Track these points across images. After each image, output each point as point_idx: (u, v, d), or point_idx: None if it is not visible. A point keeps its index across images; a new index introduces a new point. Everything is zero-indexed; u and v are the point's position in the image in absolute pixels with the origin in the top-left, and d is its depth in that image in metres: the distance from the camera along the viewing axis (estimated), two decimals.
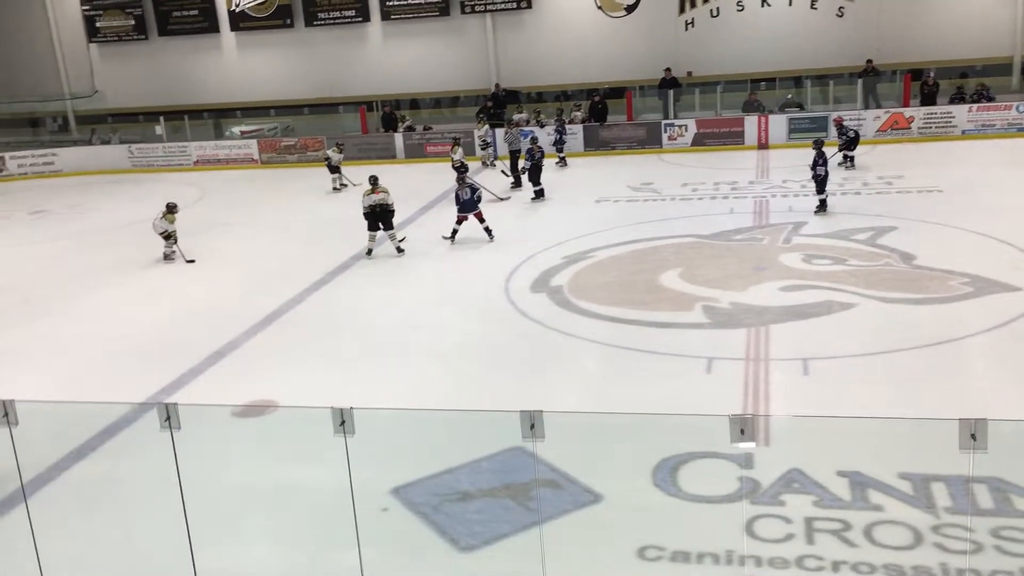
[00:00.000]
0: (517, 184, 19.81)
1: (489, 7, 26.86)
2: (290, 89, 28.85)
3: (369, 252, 15.05)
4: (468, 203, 15.28)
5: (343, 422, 4.91)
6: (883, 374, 9.19)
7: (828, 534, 6.34)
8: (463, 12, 27.11)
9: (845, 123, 19.79)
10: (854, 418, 7.60)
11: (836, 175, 17.21)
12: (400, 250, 15.09)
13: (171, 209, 15.61)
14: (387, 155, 24.76)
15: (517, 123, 22.05)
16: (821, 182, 15.60)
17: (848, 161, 18.92)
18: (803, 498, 6.75)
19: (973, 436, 4.14)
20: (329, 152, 21.81)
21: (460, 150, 20.76)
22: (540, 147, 18.75)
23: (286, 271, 14.40)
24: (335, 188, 21.26)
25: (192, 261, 15.33)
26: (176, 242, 15.51)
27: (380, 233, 15.06)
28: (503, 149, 21.54)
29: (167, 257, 15.51)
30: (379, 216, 15.00)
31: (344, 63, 28.43)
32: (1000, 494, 6.52)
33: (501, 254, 14.48)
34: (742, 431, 4.34)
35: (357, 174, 21.80)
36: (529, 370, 9.97)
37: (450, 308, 12.17)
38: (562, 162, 22.07)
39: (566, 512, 6.82)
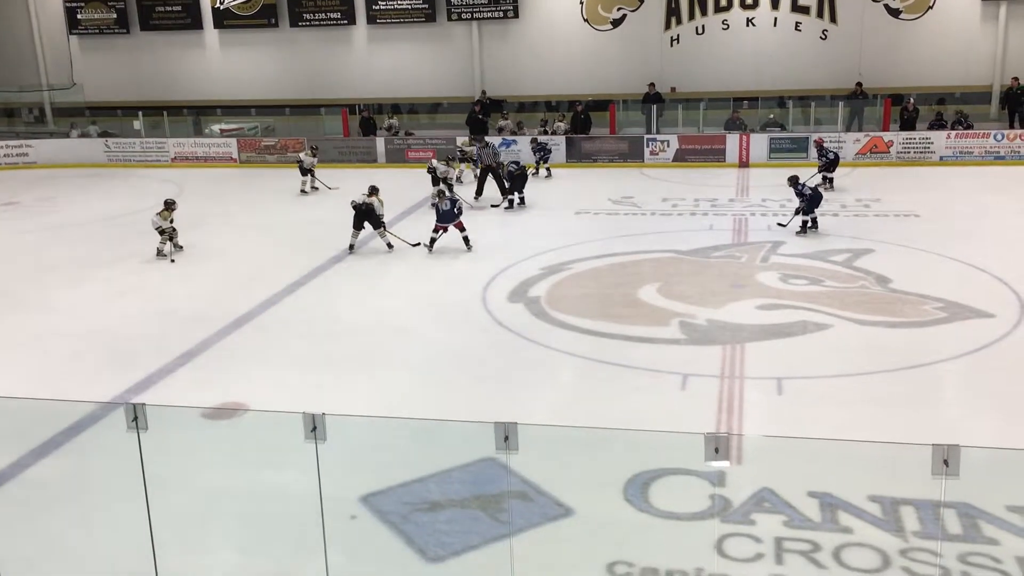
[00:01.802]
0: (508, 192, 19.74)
1: (476, 15, 26.87)
2: (272, 89, 28.70)
3: (351, 248, 15.29)
4: (448, 214, 15.24)
5: (315, 428, 4.84)
6: (856, 396, 9.22)
7: (797, 555, 6.33)
8: (449, 19, 27.11)
9: (825, 144, 19.97)
10: (826, 440, 7.60)
11: None
12: (390, 245, 15.34)
13: (168, 206, 15.52)
14: (368, 159, 24.66)
15: (486, 144, 21.42)
16: (810, 204, 15.61)
17: (827, 183, 19.04)
18: (773, 518, 6.75)
19: (946, 462, 4.14)
20: (301, 155, 21.54)
21: (462, 168, 20.46)
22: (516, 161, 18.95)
23: (262, 272, 14.28)
24: (303, 191, 20.98)
25: (173, 261, 15.13)
26: (170, 240, 15.32)
27: (364, 232, 15.23)
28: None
29: (160, 253, 15.30)
30: (363, 215, 15.23)
31: (328, 65, 28.33)
32: (969, 520, 6.54)
33: (479, 263, 14.43)
34: (716, 449, 4.32)
35: (337, 177, 21.74)
36: (503, 380, 9.92)
37: (426, 315, 12.11)
38: (547, 173, 22.04)
39: (536, 525, 6.77)
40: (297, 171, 21.32)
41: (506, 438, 4.58)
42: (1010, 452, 7.21)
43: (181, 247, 15.58)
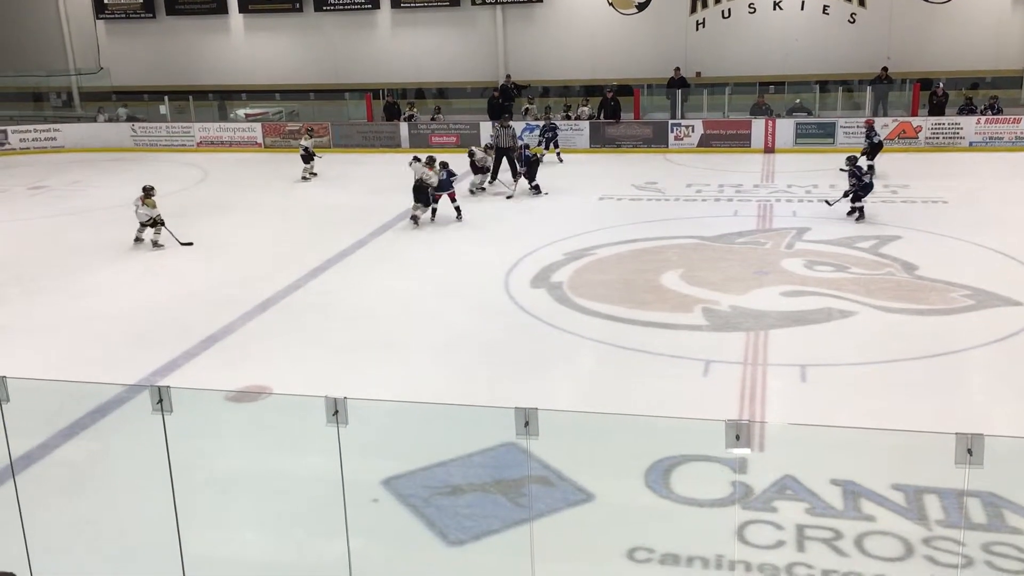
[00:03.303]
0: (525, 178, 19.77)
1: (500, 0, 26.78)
2: (296, 74, 28.78)
3: (413, 219, 15.94)
4: (444, 183, 16.14)
5: (336, 412, 4.87)
6: (880, 384, 9.15)
7: (819, 542, 6.30)
8: (473, 3, 27.03)
9: (875, 128, 19.41)
10: (850, 428, 7.56)
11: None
12: (458, 211, 16.18)
13: (148, 193, 15.00)
14: (391, 144, 24.68)
15: (507, 126, 21.23)
16: (864, 188, 15.36)
17: (871, 170, 18.52)
18: (795, 505, 6.72)
19: (969, 451, 4.11)
20: (302, 141, 21.34)
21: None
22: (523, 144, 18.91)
23: (286, 256, 14.35)
24: (304, 177, 20.76)
25: (190, 244, 15.13)
26: (164, 226, 15.01)
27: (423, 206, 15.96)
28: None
29: (156, 244, 15.01)
30: (419, 191, 15.86)
31: (352, 50, 28.35)
32: (993, 509, 6.49)
33: (502, 248, 14.43)
34: (737, 436, 4.30)
35: (360, 161, 21.80)
36: (526, 365, 9.93)
37: (449, 300, 12.13)
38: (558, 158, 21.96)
39: (557, 510, 6.78)
40: (328, 156, 21.39)
41: (526, 423, 4.58)
42: None
43: (162, 245, 15.03)
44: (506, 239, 15.05)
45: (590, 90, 25.90)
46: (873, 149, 18.80)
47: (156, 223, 15.02)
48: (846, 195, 15.51)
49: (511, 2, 26.79)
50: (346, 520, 5.51)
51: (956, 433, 4.27)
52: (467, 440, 7.30)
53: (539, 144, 21.91)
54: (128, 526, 6.89)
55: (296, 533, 6.74)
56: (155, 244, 15.08)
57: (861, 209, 15.40)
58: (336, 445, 5.58)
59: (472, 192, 18.54)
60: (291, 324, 11.44)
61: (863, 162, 18.05)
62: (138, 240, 15.16)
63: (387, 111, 25.70)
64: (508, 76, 26.52)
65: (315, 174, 20.99)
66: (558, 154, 22.00)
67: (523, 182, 18.58)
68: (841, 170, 15.87)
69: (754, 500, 6.80)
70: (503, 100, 25.01)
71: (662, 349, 10.20)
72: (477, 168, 19.08)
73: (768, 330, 10.61)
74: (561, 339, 10.67)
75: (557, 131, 22.33)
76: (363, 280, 13.34)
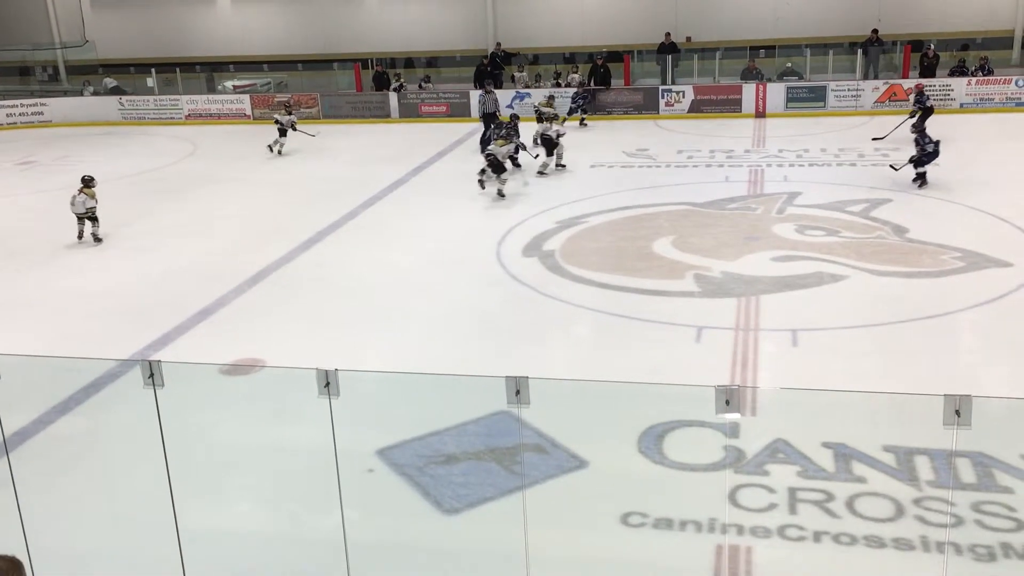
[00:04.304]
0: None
1: None
2: (284, 44, 28.52)
3: (481, 184, 15.82)
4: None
5: (328, 383, 4.88)
6: (872, 347, 9.19)
7: (811, 504, 6.36)
8: None
9: (920, 89, 18.98)
10: (841, 391, 7.60)
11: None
12: (501, 194, 15.60)
13: (88, 183, 13.85)
14: (381, 114, 24.54)
15: (490, 91, 21.08)
16: (928, 156, 15.01)
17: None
18: (787, 468, 6.77)
19: (957, 412, 4.13)
20: (276, 115, 20.84)
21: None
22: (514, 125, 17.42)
23: (277, 229, 14.31)
24: (272, 148, 20.25)
25: (100, 241, 13.81)
26: (91, 220, 13.77)
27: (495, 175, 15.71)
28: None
29: (96, 239, 13.82)
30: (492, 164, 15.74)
31: (340, 20, 28.08)
32: (983, 469, 6.55)
33: (493, 218, 14.40)
34: (727, 402, 4.32)
35: (351, 133, 21.67)
36: (519, 334, 9.94)
37: (440, 270, 12.12)
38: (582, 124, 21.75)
39: (551, 477, 6.83)
40: (315, 127, 21.18)
41: (517, 392, 4.59)
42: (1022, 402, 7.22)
43: (101, 239, 13.92)
44: (497, 208, 15.02)
45: (579, 57, 25.73)
46: (925, 113, 18.08)
47: (93, 217, 13.82)
48: (911, 161, 15.10)
49: None
50: (340, 491, 5.53)
51: (944, 394, 4.30)
52: (461, 409, 7.33)
53: (572, 112, 21.69)
54: (123, 501, 6.92)
55: (291, 505, 6.77)
56: (95, 239, 13.89)
57: (923, 175, 15.02)
58: (330, 417, 5.60)
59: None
60: (284, 297, 11.43)
61: (911, 127, 17.83)
62: (81, 236, 13.86)
63: (376, 81, 25.52)
64: (499, 44, 26.32)
65: (280, 153, 20.25)
66: (583, 120, 21.72)
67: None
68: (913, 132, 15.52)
69: (746, 464, 6.85)
70: (492, 68, 24.85)
71: (654, 316, 10.22)
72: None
73: (760, 295, 10.63)
74: (554, 307, 10.68)
75: (589, 98, 22.00)
76: (355, 251, 13.30)
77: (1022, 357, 8.80)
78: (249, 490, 7.04)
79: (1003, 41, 23.57)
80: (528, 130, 18.00)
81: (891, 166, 15.88)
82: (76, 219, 13.86)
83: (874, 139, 17.95)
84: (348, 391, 5.57)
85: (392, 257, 12.87)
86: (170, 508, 5.60)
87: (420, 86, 25.25)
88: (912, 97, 19.12)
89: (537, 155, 17.21)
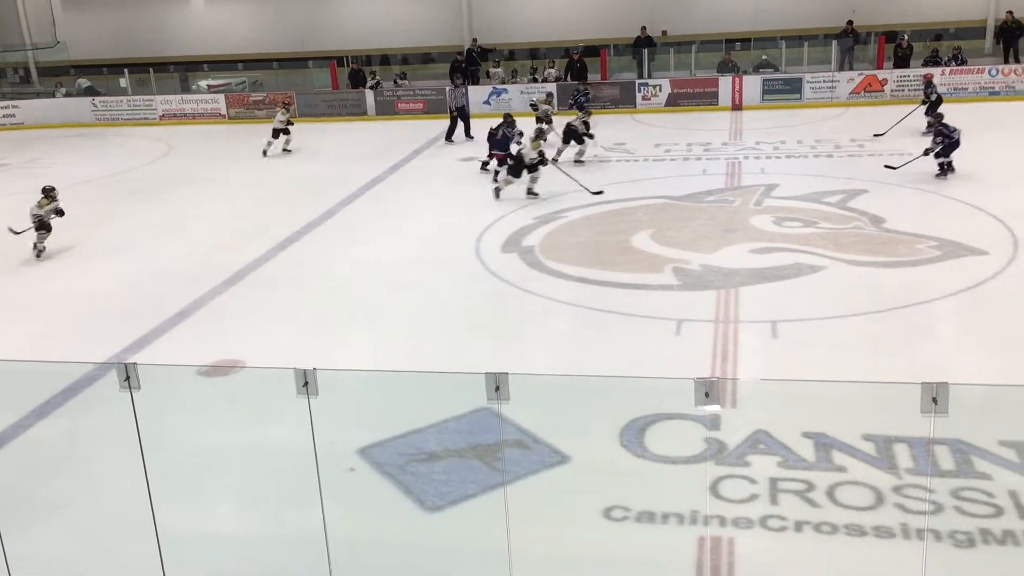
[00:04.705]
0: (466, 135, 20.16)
1: None
2: (259, 43, 28.35)
3: (497, 192, 15.32)
4: (501, 142, 16.07)
5: (306, 383, 4.85)
6: (850, 337, 9.24)
7: (792, 494, 6.39)
8: None
9: (929, 79, 19.07)
10: (820, 381, 7.63)
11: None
12: (531, 193, 15.10)
13: (47, 193, 13.44)
14: (357, 112, 24.44)
15: (459, 86, 21.00)
16: (949, 148, 14.83)
17: (930, 126, 17.68)
18: (768, 459, 6.80)
19: (934, 400, 4.16)
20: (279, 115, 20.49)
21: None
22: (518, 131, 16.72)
23: (254, 229, 14.22)
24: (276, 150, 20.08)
25: (41, 252, 13.17)
26: (39, 230, 13.15)
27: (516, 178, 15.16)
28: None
29: (38, 251, 13.12)
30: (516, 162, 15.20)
31: (315, 17, 27.96)
32: (961, 456, 6.60)
33: (472, 214, 14.37)
34: (707, 394, 4.33)
35: (328, 131, 21.59)
36: (500, 330, 9.94)
37: (420, 267, 12.09)
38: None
39: (533, 472, 6.82)
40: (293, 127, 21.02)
41: (497, 388, 4.59)
42: (1002, 388, 7.28)
43: (43, 248, 13.21)
44: (476, 205, 14.99)
45: (556, 52, 25.73)
46: (933, 104, 18.13)
47: (44, 226, 13.21)
48: (927, 153, 14.95)
49: None
50: (321, 490, 5.51)
51: (921, 382, 4.33)
52: (442, 406, 7.31)
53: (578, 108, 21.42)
54: (102, 504, 6.86)
55: (272, 505, 6.73)
56: (36, 250, 13.16)
57: (949, 164, 14.86)
58: (310, 417, 5.57)
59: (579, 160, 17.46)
60: (262, 297, 11.36)
61: (930, 118, 17.53)
62: (35, 247, 13.19)
63: (352, 79, 25.42)
64: (475, 40, 26.28)
65: (288, 150, 20.15)
66: (585, 122, 19.30)
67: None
68: (929, 126, 15.34)
69: (728, 456, 6.87)
70: (467, 65, 24.83)
71: (634, 310, 10.23)
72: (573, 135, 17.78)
73: (739, 287, 10.67)
74: (534, 303, 10.68)
75: (588, 95, 21.48)
76: (333, 250, 13.25)
77: (998, 344, 8.88)
78: (229, 491, 6.99)
79: (976, 31, 23.78)
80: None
81: (888, 166, 15.66)
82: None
83: (876, 135, 17.97)
84: (328, 390, 5.54)
85: (371, 255, 12.82)
86: (149, 511, 5.56)
87: (396, 83, 25.17)
88: (923, 88, 19.05)
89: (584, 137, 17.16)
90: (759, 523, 6.12)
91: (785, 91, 22.47)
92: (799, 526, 6.07)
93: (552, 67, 24.71)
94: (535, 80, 24.23)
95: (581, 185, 14.96)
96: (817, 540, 5.95)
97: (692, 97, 22.88)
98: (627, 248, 12.36)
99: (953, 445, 6.68)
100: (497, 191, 15.22)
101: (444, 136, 20.49)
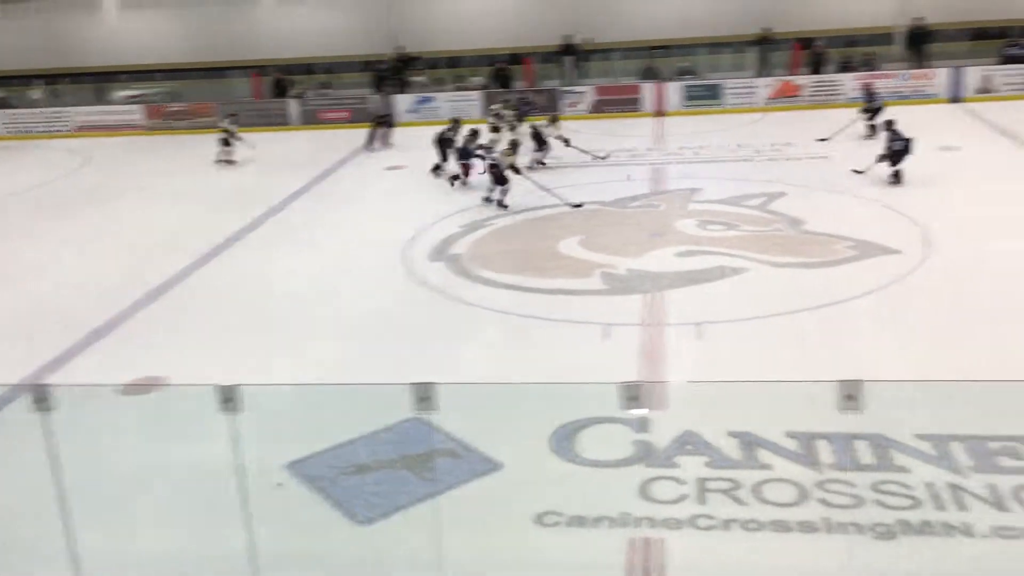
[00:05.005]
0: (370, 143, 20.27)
1: None
2: (176, 53, 27.76)
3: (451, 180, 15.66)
4: (465, 151, 16.08)
5: (229, 399, 4.77)
6: (773, 336, 9.45)
7: (719, 493, 6.50)
8: None
9: (873, 89, 19.36)
10: (745, 381, 7.79)
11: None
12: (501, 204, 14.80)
13: None
14: (280, 122, 24.11)
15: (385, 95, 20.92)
16: (897, 155, 14.91)
17: (871, 130, 18.24)
18: (696, 459, 6.90)
19: (850, 396, 4.28)
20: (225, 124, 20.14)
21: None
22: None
23: (176, 242, 13.91)
24: (222, 160, 19.76)
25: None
26: None
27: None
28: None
29: None
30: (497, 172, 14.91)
31: (233, 26, 27.49)
32: (880, 450, 6.80)
33: (399, 223, 14.29)
34: (633, 397, 4.39)
35: (250, 141, 21.21)
36: (429, 340, 9.89)
37: (347, 278, 11.98)
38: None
39: (465, 481, 6.81)
40: (214, 137, 20.54)
41: (424, 398, 4.57)
42: (918, 383, 7.52)
43: None
44: (402, 214, 14.92)
45: (483, 60, 25.78)
46: (875, 111, 18.33)
47: None
48: (882, 159, 15.10)
49: None
50: (247, 507, 5.41)
51: (838, 380, 4.45)
52: (371, 418, 7.25)
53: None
54: (18, 531, 6.62)
55: (198, 525, 6.58)
56: None
57: (899, 172, 14.92)
58: (234, 433, 5.48)
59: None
60: (185, 312, 11.12)
61: (864, 123, 18.15)
62: None
63: (275, 88, 25.09)
64: (400, 48, 26.15)
65: (228, 161, 19.63)
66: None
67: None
68: (871, 129, 15.39)
69: (656, 457, 6.96)
70: (393, 73, 24.74)
71: (563, 315, 10.30)
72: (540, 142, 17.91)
73: (665, 291, 10.82)
74: (463, 311, 10.67)
75: (533, 105, 21.34)
76: (258, 262, 13.04)
77: (914, 340, 9.18)
78: (152, 512, 6.81)
79: (884, 37, 24.54)
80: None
81: (857, 171, 15.62)
82: None
83: (819, 140, 18.34)
84: (254, 405, 5.46)
85: (297, 266, 12.66)
86: (65, 536, 5.39)
87: (319, 92, 24.92)
88: (864, 96, 19.23)
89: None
90: (688, 523, 6.21)
91: (706, 97, 22.89)
92: (727, 524, 6.17)
93: (477, 76, 24.76)
94: (461, 89, 24.24)
95: (558, 197, 14.81)
96: (744, 538, 6.06)
97: (616, 104, 23.16)
98: (555, 254, 12.44)
99: (873, 440, 6.87)
100: (490, 200, 14.91)
101: (365, 145, 20.38)
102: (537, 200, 14.92)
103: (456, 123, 17.63)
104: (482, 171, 15.61)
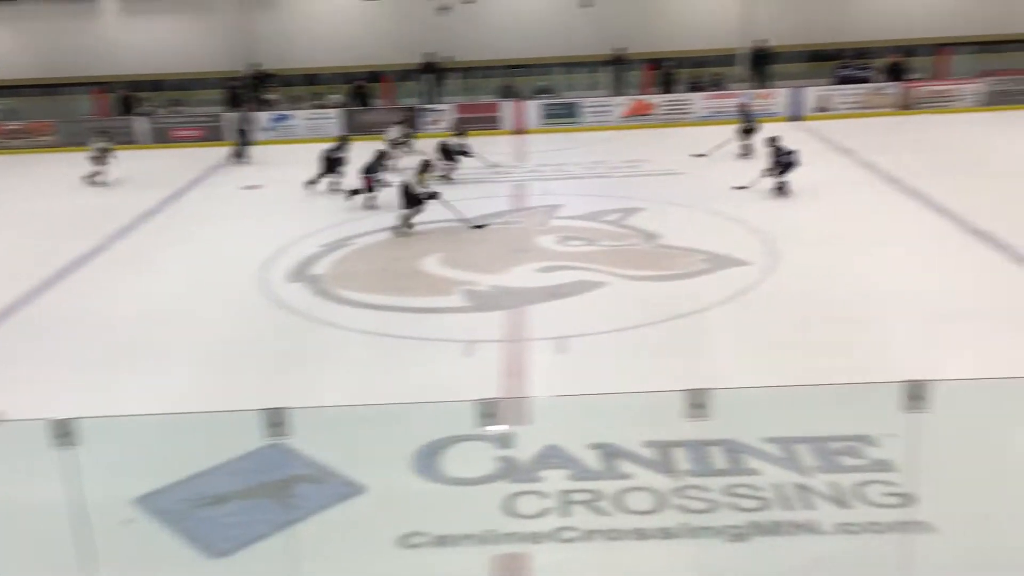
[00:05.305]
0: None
1: None
2: (12, 68, 26.23)
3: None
4: (371, 166, 15.79)
5: (67, 433, 4.50)
6: (631, 348, 9.68)
7: (581, 505, 6.58)
8: None
9: (747, 107, 19.93)
10: (606, 394, 7.93)
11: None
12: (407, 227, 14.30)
13: None
14: (127, 140, 23.09)
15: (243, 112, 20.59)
16: (784, 168, 15.42)
17: (746, 149, 18.80)
18: (558, 473, 6.97)
19: (698, 405, 4.43)
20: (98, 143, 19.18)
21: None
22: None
23: (16, 267, 13.12)
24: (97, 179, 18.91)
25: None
26: None
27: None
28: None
29: None
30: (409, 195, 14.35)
31: (77, 41, 26.21)
32: (732, 455, 7.04)
33: (256, 243, 13.92)
34: (490, 415, 4.40)
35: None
36: (288, 363, 9.66)
37: (201, 302, 11.57)
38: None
39: (327, 506, 6.65)
40: (55, 156, 19.70)
41: (276, 423, 4.45)
42: (766, 389, 7.85)
43: None
44: (260, 234, 14.54)
45: (340, 77, 25.50)
46: (751, 130, 18.83)
47: None
48: (768, 173, 15.55)
49: None
50: (92, 547, 5.12)
51: (686, 390, 4.58)
52: (226, 446, 7.00)
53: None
54: None
55: (38, 568, 6.18)
56: None
57: (785, 184, 15.47)
58: (76, 469, 5.18)
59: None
60: (27, 341, 10.48)
61: (740, 142, 18.67)
62: None
63: (121, 106, 24.08)
64: (256, 65, 25.57)
65: (97, 182, 18.74)
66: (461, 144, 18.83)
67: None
68: (771, 147, 15.73)
69: (520, 473, 6.99)
70: (249, 90, 24.18)
71: (426, 334, 10.26)
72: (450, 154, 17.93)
73: (527, 306, 10.94)
74: (324, 333, 10.47)
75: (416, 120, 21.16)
76: (107, 286, 12.43)
77: (763, 347, 9.59)
78: None
79: (730, 59, 25.69)
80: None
81: (739, 187, 16.00)
82: None
83: (696, 155, 18.75)
84: (98, 439, 5.18)
85: (148, 291, 12.14)
86: None
87: (171, 110, 24.08)
88: (740, 114, 19.74)
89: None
90: (552, 536, 6.26)
91: (563, 115, 23.39)
92: (589, 535, 6.25)
93: (336, 94, 24.49)
94: (319, 107, 23.90)
95: (461, 218, 14.57)
96: (606, 547, 6.16)
97: (477, 121, 23.30)
98: (417, 272, 12.39)
99: (725, 445, 7.12)
100: (399, 229, 14.28)
101: (229, 157, 20.36)
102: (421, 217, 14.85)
103: (344, 140, 17.68)
104: (371, 190, 15.71)
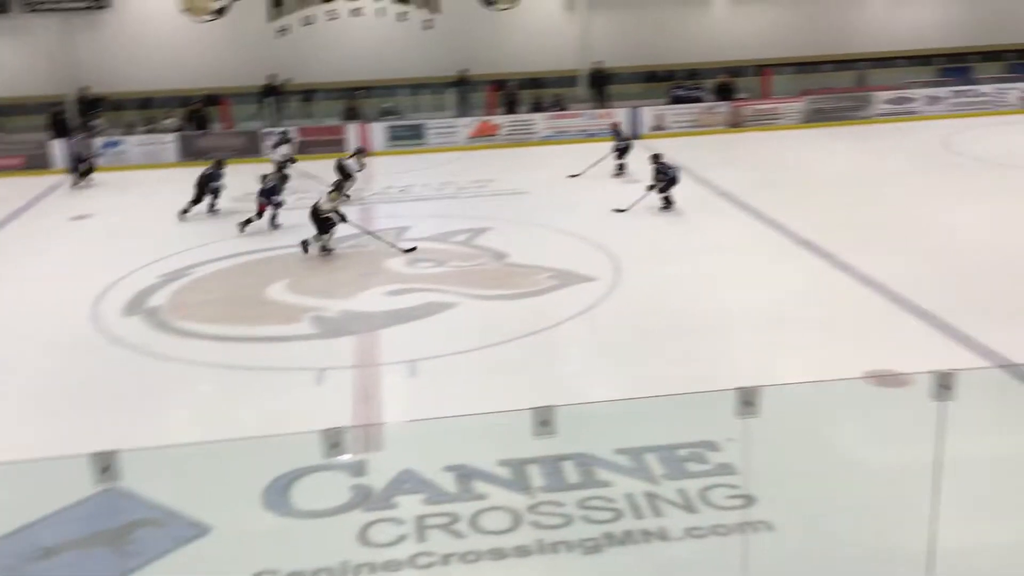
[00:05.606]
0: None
1: (58, 7, 24.36)
2: None
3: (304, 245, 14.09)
4: (268, 190, 15.46)
5: None
6: (483, 368, 9.73)
7: (438, 529, 6.53)
8: (25, 11, 24.28)
9: (620, 129, 20.03)
10: (459, 416, 7.93)
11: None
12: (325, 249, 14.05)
13: None
14: None
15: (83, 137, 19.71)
16: (670, 183, 15.77)
17: (620, 169, 18.91)
18: (413, 498, 6.90)
19: (544, 422, 4.48)
20: None
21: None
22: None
23: None
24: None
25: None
26: None
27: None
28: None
29: None
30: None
31: None
32: (584, 468, 7.17)
33: (86, 277, 13.17)
34: (334, 444, 4.30)
35: None
36: (125, 403, 9.18)
37: (27, 342, 10.85)
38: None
39: (170, 550, 6.34)
40: None
41: (106, 468, 4.21)
42: (615, 402, 8.06)
43: None
44: (91, 267, 13.77)
45: (174, 101, 24.57)
46: (624, 149, 18.96)
47: None
48: (651, 189, 15.80)
49: (71, 9, 24.48)
50: None
51: (530, 408, 4.63)
52: (56, 495, 6.57)
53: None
54: None
55: None
56: None
57: (669, 198, 15.83)
58: None
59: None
60: None
61: (615, 160, 18.77)
62: None
63: None
64: (84, 88, 24.29)
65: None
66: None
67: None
68: (654, 164, 15.93)
69: (374, 501, 6.88)
70: (78, 115, 22.98)
71: (274, 363, 10.00)
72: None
73: (377, 330, 10.82)
74: (164, 368, 10.02)
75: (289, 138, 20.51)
76: None
77: (612, 361, 9.84)
78: None
79: (571, 80, 26.35)
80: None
81: (617, 209, 15.98)
82: None
83: (571, 176, 18.84)
84: None
85: None
86: None
87: None
88: (613, 134, 19.70)
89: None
90: (408, 563, 6.18)
91: (409, 137, 23.36)
92: (446, 559, 6.21)
93: (169, 117, 23.59)
94: (152, 131, 22.96)
95: (387, 243, 14.17)
96: (464, 570, 6.13)
97: (321, 144, 22.93)
98: (263, 300, 12.05)
99: (577, 459, 7.24)
100: (306, 246, 14.03)
101: (71, 184, 19.69)
102: (258, 243, 14.44)
103: (220, 163, 17.18)
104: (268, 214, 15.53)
